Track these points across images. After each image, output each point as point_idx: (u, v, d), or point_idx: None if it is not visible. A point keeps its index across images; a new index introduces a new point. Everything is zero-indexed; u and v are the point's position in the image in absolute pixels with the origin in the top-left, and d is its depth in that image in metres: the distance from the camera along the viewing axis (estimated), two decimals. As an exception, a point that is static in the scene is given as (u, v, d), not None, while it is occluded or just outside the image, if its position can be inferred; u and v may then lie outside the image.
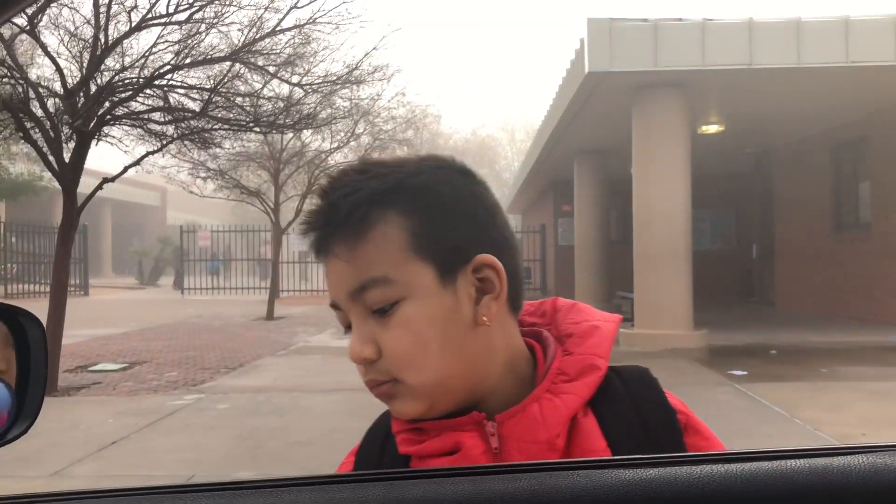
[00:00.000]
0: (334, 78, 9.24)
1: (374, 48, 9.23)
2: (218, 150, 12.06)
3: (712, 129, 12.46)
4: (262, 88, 9.21)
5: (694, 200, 10.09)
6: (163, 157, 10.16)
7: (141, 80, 7.74)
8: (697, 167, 10.98)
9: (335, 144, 14.87)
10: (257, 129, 8.69)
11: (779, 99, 10.82)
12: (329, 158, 15.29)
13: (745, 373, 7.68)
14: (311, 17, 8.09)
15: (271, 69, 8.65)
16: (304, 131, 13.60)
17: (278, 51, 8.26)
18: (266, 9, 7.83)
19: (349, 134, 14.48)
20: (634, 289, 10.19)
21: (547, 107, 14.48)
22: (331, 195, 0.77)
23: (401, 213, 0.75)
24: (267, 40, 8.12)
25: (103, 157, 12.05)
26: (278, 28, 7.96)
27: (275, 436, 5.59)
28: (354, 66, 9.37)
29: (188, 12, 7.24)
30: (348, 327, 0.78)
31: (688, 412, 0.82)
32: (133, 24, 6.99)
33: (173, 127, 8.56)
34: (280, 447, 5.28)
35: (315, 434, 5.61)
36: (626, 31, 9.10)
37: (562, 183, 19.29)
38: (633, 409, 0.78)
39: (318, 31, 8.69)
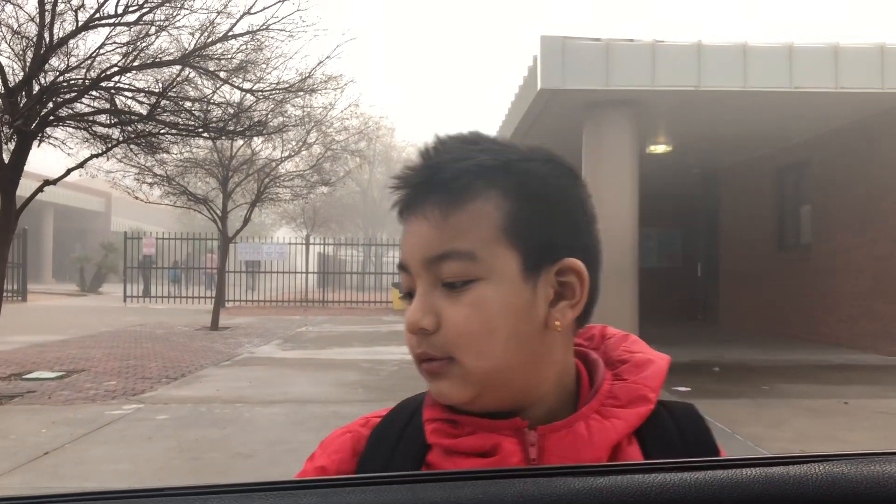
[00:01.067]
0: (286, 86, 9.14)
1: (327, 57, 9.15)
2: (165, 155, 11.84)
3: (661, 148, 12.67)
4: (213, 94, 9.07)
5: (641, 218, 10.23)
6: (107, 160, 9.91)
7: (87, 81, 7.56)
8: (646, 186, 11.14)
9: (286, 153, 14.72)
10: (206, 134, 8.54)
11: (725, 121, 11.06)
12: (280, 167, 15.13)
13: (688, 389, 7.78)
14: (264, 24, 8.00)
15: (222, 74, 8.52)
16: (255, 139, 13.45)
17: (229, 56, 8.14)
18: (218, 13, 7.72)
19: (301, 143, 14.34)
20: (582, 304, 10.26)
21: (500, 122, 14.56)
22: (435, 157, 0.75)
23: (502, 193, 0.73)
24: (218, 45, 8.00)
25: (48, 160, 11.72)
26: (230, 33, 7.85)
27: (215, 447, 5.46)
28: (308, 75, 9.30)
29: (138, 13, 7.09)
30: (409, 294, 0.75)
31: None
32: (80, 24, 6.81)
33: (119, 130, 8.37)
34: (220, 459, 5.16)
35: (257, 446, 5.50)
36: (579, 50, 9.20)
37: (513, 198, 19.37)
38: (681, 444, 0.78)
39: (272, 38, 8.60)
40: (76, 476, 4.75)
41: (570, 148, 11.15)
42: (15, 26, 7.29)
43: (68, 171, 7.78)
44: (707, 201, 17.35)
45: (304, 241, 25.51)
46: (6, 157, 7.14)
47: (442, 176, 0.73)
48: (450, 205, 0.72)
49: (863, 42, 9.34)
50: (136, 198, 15.19)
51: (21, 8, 7.18)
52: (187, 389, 7.92)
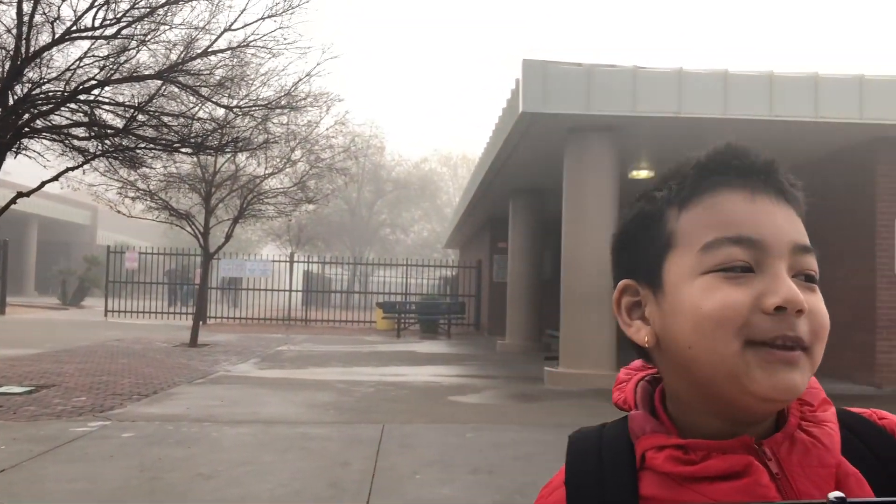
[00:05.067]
0: (265, 102, 9.12)
1: (307, 74, 9.14)
2: (148, 170, 11.79)
3: (643, 174, 12.71)
4: (198, 110, 9.03)
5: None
6: (84, 173, 9.85)
7: (65, 93, 7.51)
8: (627, 210, 11.15)
9: (270, 170, 14.68)
10: (185, 149, 8.50)
11: (706, 148, 11.09)
12: (263, 184, 15.08)
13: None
14: (244, 40, 8.00)
15: (204, 90, 8.50)
16: (240, 155, 13.41)
17: (209, 71, 8.12)
18: (199, 29, 7.70)
19: (285, 160, 14.31)
20: (561, 328, 10.23)
21: (486, 142, 14.60)
22: (763, 157, 0.78)
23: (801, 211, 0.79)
24: (199, 61, 7.98)
25: (36, 172, 11.62)
26: (210, 49, 7.83)
27: (177, 467, 5.36)
28: (287, 92, 9.28)
29: (116, 27, 7.06)
30: (742, 269, 0.71)
31: None
32: (56, 36, 6.78)
33: (97, 143, 8.31)
34: (181, 479, 5.06)
35: (220, 467, 5.40)
36: (560, 74, 9.24)
37: (498, 220, 19.43)
38: (867, 451, 0.76)
39: (253, 55, 8.59)
40: (30, 494, 4.65)
41: (553, 172, 11.20)
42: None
43: (42, 184, 7.72)
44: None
45: (288, 259, 25.38)
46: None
47: (782, 176, 0.77)
48: (797, 204, 0.78)
49: (841, 74, 9.41)
50: (119, 212, 15.11)
51: (-1, 21, 7.15)
52: (157, 407, 7.81)
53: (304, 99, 10.06)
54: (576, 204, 10.07)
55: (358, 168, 35.65)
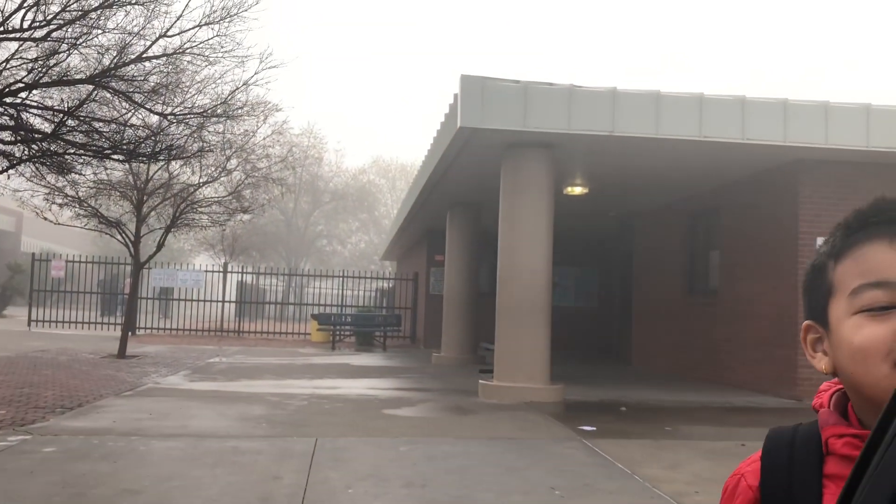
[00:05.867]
0: (201, 110, 8.98)
1: (244, 84, 9.04)
2: (77, 176, 11.48)
3: (577, 190, 12.95)
4: (131, 116, 8.84)
5: (559, 258, 10.40)
6: (8, 178, 9.52)
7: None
8: (563, 227, 11.35)
9: (205, 178, 14.43)
10: (116, 156, 8.30)
11: (640, 166, 11.39)
12: (198, 192, 14.81)
13: (594, 428, 7.86)
14: (180, 47, 7.86)
15: (137, 97, 8.32)
16: (173, 163, 13.15)
17: (143, 77, 7.96)
18: (133, 34, 7.55)
19: (220, 169, 14.09)
20: (495, 341, 10.32)
21: (424, 155, 14.66)
22: None
23: None
24: (132, 66, 7.81)
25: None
26: (145, 55, 7.68)
27: (102, 483, 5.21)
28: (223, 101, 9.15)
29: (46, 29, 6.87)
30: (885, 308, 0.86)
31: None
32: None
33: (23, 148, 8.06)
34: (106, 495, 4.92)
35: (147, 482, 5.27)
36: (498, 90, 9.36)
37: (435, 233, 19.50)
38: None
39: (189, 62, 8.45)
40: (-56, 512, 4.46)
41: (490, 186, 11.32)
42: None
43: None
44: (622, 243, 17.78)
45: (221, 269, 24.94)
46: None
47: None
48: None
49: (767, 97, 9.78)
50: (45, 218, 14.64)
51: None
52: (82, 420, 7.57)
53: (242, 108, 9.94)
54: (511, 218, 10.19)
55: (295, 178, 35.32)
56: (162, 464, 5.85)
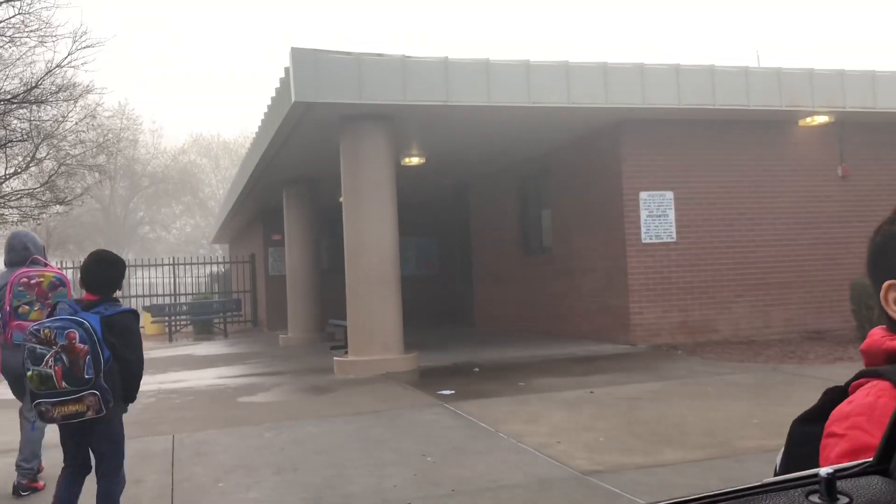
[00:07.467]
0: (8, 97, 8.19)
1: (56, 66, 8.32)
2: None
3: (415, 160, 13.06)
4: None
5: (400, 228, 10.46)
6: None
7: None
8: (403, 197, 11.42)
9: (12, 170, 13.24)
10: None
11: (474, 134, 11.65)
12: (5, 185, 13.57)
13: (452, 392, 8.06)
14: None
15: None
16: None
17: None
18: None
19: (28, 158, 12.97)
20: (347, 316, 10.28)
21: (253, 134, 14.19)
22: None
23: None
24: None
25: None
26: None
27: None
28: (34, 85, 8.39)
29: None
30: None
31: None
32: None
33: None
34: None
35: (-8, 505, 4.86)
36: (331, 63, 9.21)
37: (271, 212, 19.02)
38: None
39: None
40: None
41: (328, 161, 11.17)
42: None
43: None
44: (460, 211, 18.17)
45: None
46: None
47: None
48: None
49: (589, 61, 10.26)
50: None
51: None
52: None
53: (56, 93, 9.15)
54: (355, 192, 10.13)
55: (111, 163, 33.13)
56: (3, 478, 5.39)
